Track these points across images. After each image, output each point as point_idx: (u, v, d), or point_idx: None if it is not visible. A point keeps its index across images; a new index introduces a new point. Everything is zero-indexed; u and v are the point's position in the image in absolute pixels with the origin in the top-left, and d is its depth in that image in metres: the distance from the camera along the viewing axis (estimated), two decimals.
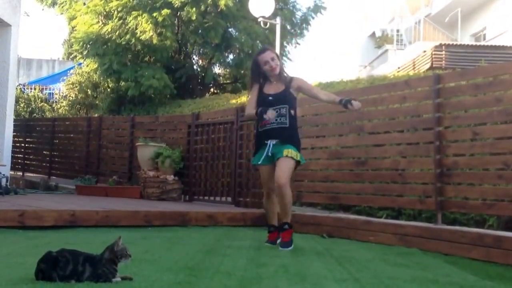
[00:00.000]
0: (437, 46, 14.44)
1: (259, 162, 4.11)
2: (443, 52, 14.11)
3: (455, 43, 15.60)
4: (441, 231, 4.20)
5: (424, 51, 14.80)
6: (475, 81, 4.59)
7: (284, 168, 3.93)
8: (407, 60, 15.99)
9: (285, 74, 4.20)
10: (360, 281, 2.78)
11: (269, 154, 4.03)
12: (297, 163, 4.03)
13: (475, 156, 4.39)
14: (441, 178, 4.48)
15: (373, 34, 23.45)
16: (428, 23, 18.84)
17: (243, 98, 10.59)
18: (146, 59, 12.76)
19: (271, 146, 4.02)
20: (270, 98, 4.08)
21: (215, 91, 14.56)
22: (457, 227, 4.39)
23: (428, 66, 13.91)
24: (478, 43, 16.36)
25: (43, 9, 14.77)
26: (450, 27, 18.77)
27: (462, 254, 3.89)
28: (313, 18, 13.82)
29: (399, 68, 15.81)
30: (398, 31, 20.60)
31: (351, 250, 4.02)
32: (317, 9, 13.75)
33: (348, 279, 2.84)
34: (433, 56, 14.02)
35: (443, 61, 13.86)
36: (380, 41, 21.35)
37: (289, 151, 3.95)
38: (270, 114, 3.92)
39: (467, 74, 4.72)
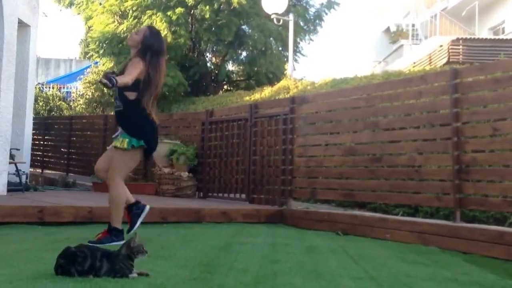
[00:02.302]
0: (454, 40, 14.24)
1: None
2: (460, 47, 13.91)
3: (472, 37, 15.36)
4: (460, 229, 4.14)
5: (441, 46, 14.61)
6: (494, 76, 4.50)
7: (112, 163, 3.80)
8: (423, 55, 15.81)
9: (136, 59, 3.77)
10: (377, 279, 2.76)
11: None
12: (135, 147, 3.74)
13: (495, 152, 4.31)
14: (460, 175, 4.41)
15: (388, 29, 23.21)
16: (444, 17, 18.58)
17: (257, 95, 10.58)
18: None
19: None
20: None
21: (229, 88, 14.58)
22: (476, 225, 4.33)
23: (444, 60, 13.73)
24: (496, 37, 16.08)
25: (60, 10, 14.94)
26: (467, 21, 18.48)
27: (482, 253, 3.83)
28: (326, 14, 13.76)
29: (414, 63, 15.63)
30: (413, 25, 20.35)
31: (366, 248, 3.99)
32: (330, 5, 13.67)
33: (364, 277, 2.82)
34: (450, 50, 13.83)
35: (461, 56, 13.66)
36: (395, 36, 21.13)
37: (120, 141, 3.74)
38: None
39: (486, 68, 4.63)
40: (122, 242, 3.56)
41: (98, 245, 3.41)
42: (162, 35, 4.31)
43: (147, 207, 3.91)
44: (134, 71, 3.70)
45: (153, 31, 4.01)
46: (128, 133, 3.76)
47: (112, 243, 3.61)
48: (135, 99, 3.76)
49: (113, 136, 3.95)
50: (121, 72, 3.80)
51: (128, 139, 3.73)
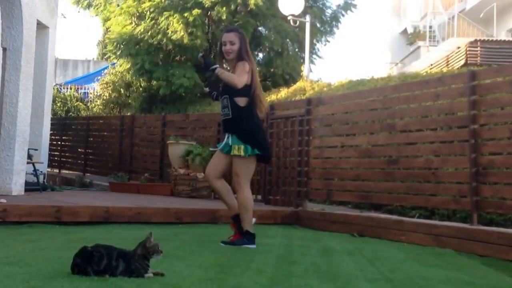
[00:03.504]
0: (471, 42, 14.07)
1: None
2: (478, 48, 13.74)
3: (490, 38, 15.17)
4: (477, 231, 4.09)
5: (458, 47, 14.46)
6: None
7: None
8: (440, 56, 15.65)
9: (241, 62, 3.78)
10: (393, 281, 2.74)
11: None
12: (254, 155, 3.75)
13: None
14: (477, 177, 4.36)
15: (405, 30, 23.04)
16: (462, 18, 18.37)
17: (273, 96, 10.58)
18: (177, 58, 12.90)
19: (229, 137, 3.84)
20: (220, 86, 3.89)
21: None
22: (494, 228, 4.27)
23: (462, 62, 13.58)
24: None
25: (78, 11, 15.12)
26: (485, 23, 18.24)
27: (499, 256, 3.78)
28: (343, 15, 13.69)
29: (431, 65, 15.48)
30: (431, 27, 20.17)
31: (382, 250, 3.97)
32: (347, 6, 13.60)
33: (380, 278, 2.80)
34: (468, 52, 13.67)
35: (478, 58, 13.50)
36: (412, 37, 20.95)
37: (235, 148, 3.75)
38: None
39: (504, 70, 4.58)
40: (253, 246, 3.68)
41: (230, 245, 3.65)
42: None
43: (254, 246, 3.81)
44: (244, 75, 3.70)
45: (242, 31, 4.02)
46: (241, 140, 3.74)
47: (243, 245, 3.68)
48: (246, 105, 3.75)
49: (219, 144, 3.96)
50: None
51: (243, 146, 3.73)
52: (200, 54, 3.96)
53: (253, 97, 3.78)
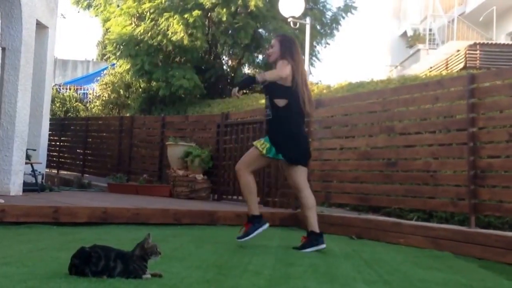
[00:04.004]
0: (471, 45, 14.09)
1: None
2: (478, 52, 13.76)
3: (490, 42, 15.19)
4: (474, 234, 4.09)
5: (458, 51, 14.48)
6: (511, 81, 4.45)
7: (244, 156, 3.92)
8: (439, 59, 15.67)
9: (281, 61, 3.89)
10: (390, 283, 2.74)
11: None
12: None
13: (511, 158, 4.26)
14: (475, 180, 4.37)
15: (405, 33, 23.06)
16: (462, 21, 18.40)
17: None
18: (177, 59, 12.90)
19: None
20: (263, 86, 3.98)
21: (244, 91, 14.58)
22: (491, 231, 4.28)
23: (461, 65, 13.60)
24: None
25: (78, 12, 15.12)
26: (485, 26, 18.26)
27: (497, 259, 3.79)
28: (343, 18, 13.69)
29: (431, 68, 15.51)
30: (430, 30, 20.19)
31: (380, 252, 3.97)
32: (347, 9, 13.62)
33: (378, 281, 2.80)
34: (467, 55, 13.70)
35: (478, 61, 13.52)
36: (412, 40, 20.98)
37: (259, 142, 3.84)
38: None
39: (502, 74, 4.60)
40: (322, 246, 3.71)
41: (301, 250, 3.69)
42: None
43: (267, 225, 3.84)
44: (282, 70, 3.75)
45: (286, 36, 4.19)
46: (271, 141, 3.81)
47: (312, 248, 3.73)
48: (285, 106, 3.79)
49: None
50: (267, 85, 3.88)
51: (269, 146, 3.78)
52: (236, 89, 3.93)
53: (292, 98, 3.80)
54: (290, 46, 3.97)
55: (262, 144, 3.83)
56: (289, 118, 3.84)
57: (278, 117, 3.84)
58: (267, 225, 3.80)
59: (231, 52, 14.09)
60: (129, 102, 14.67)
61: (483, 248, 3.94)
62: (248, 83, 4.12)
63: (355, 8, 13.67)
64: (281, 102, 3.83)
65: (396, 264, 3.44)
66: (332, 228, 5.18)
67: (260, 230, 3.78)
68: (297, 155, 3.89)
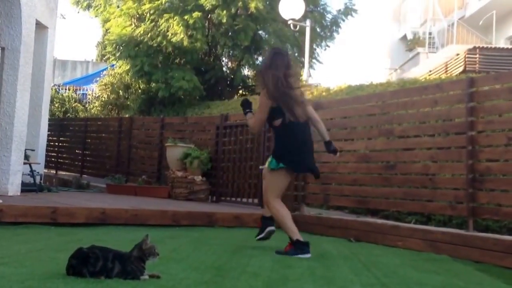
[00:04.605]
0: (470, 49, 14.13)
1: None
2: (477, 55, 13.81)
3: (489, 46, 15.23)
4: (472, 238, 4.10)
5: (457, 54, 14.52)
6: (510, 85, 4.45)
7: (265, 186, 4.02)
8: (439, 63, 15.71)
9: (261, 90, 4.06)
10: (388, 286, 2.74)
11: None
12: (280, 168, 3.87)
13: (509, 162, 4.26)
14: (473, 183, 4.37)
15: (404, 36, 23.10)
16: (461, 25, 18.44)
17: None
18: (177, 61, 12.91)
19: None
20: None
21: (244, 93, 14.60)
22: (489, 234, 4.28)
23: (461, 69, 13.64)
24: None
25: (78, 12, 15.13)
26: (484, 30, 18.30)
27: (494, 262, 3.79)
28: (343, 20, 13.72)
29: (430, 71, 15.54)
30: (430, 33, 20.23)
31: (378, 255, 3.97)
32: (347, 11, 13.64)
33: (376, 284, 2.80)
34: (467, 59, 13.74)
35: (477, 65, 13.57)
36: (412, 43, 21.02)
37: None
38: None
39: (501, 78, 4.60)
40: (307, 256, 3.64)
41: (283, 255, 3.65)
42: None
43: (309, 255, 3.75)
44: (258, 113, 3.98)
45: (264, 59, 4.30)
46: (272, 154, 3.99)
47: (296, 255, 3.66)
48: (281, 124, 3.91)
49: None
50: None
51: (271, 159, 3.93)
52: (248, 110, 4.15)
53: (285, 116, 3.88)
54: (266, 66, 4.00)
55: (268, 162, 3.95)
56: (288, 132, 3.91)
57: (276, 135, 4.02)
58: (309, 255, 3.69)
59: (230, 54, 14.10)
60: (128, 103, 14.66)
61: (481, 251, 3.94)
62: (243, 109, 4.22)
63: (355, 11, 13.69)
64: (277, 122, 3.92)
65: (394, 267, 3.44)
66: (331, 230, 5.18)
67: (299, 256, 3.66)
68: (285, 155, 3.88)
